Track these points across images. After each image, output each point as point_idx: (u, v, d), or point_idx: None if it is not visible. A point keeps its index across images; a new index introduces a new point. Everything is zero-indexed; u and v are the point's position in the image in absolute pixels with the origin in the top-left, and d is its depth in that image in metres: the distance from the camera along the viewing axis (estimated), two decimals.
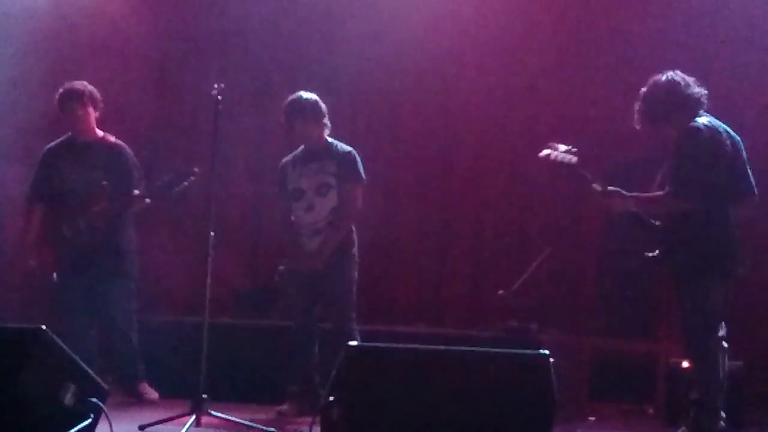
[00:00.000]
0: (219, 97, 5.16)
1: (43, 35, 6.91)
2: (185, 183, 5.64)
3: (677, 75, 5.03)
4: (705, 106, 5.04)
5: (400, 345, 4.24)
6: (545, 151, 5.21)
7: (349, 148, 5.80)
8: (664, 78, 5.04)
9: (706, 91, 5.03)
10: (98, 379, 4.37)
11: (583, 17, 7.08)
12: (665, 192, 4.91)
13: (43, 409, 4.16)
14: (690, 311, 4.89)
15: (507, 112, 7.30)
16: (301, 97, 5.76)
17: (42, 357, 4.24)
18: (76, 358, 4.32)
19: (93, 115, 6.06)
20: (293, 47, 7.40)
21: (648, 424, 6.03)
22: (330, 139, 5.82)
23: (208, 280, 5.04)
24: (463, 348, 4.26)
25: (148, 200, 5.99)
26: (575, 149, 5.14)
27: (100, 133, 6.11)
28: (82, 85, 6.06)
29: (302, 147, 5.85)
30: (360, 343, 4.26)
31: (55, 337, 4.28)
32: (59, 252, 5.96)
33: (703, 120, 4.97)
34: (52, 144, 6.15)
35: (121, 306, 6.08)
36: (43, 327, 4.28)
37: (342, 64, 7.20)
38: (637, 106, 5.09)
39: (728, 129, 5.02)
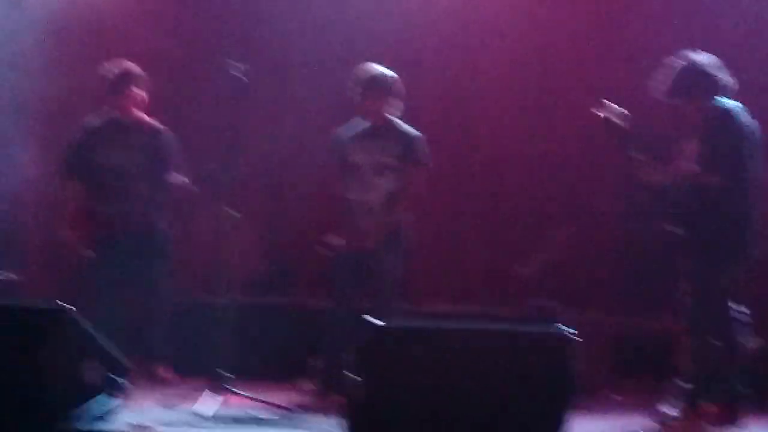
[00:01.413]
0: (239, 75, 5.14)
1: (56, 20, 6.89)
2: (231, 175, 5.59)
3: (711, 56, 5.04)
4: (730, 95, 5.03)
5: (423, 324, 4.23)
6: (601, 110, 5.11)
7: (415, 131, 5.68)
8: (698, 56, 5.04)
9: (733, 81, 5.03)
10: (120, 358, 4.39)
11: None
12: (701, 168, 4.89)
13: (65, 386, 4.19)
14: (702, 288, 4.90)
15: (524, 90, 7.25)
16: (384, 72, 5.64)
17: (65, 334, 4.26)
18: (100, 336, 4.34)
19: (140, 97, 6.09)
20: (311, 26, 7.33)
21: (675, 401, 5.99)
22: (393, 119, 5.69)
23: (228, 259, 5.03)
24: (485, 326, 4.26)
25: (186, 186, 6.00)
26: (627, 114, 5.07)
27: (142, 115, 6.13)
28: (136, 66, 6.09)
29: (362, 121, 5.71)
30: (384, 323, 4.23)
31: (78, 315, 4.31)
32: (97, 229, 5.95)
33: (731, 103, 5.00)
34: (93, 121, 6.12)
35: (157, 287, 6.07)
36: (67, 305, 4.31)
37: (358, 42, 7.15)
38: (663, 77, 5.06)
39: (744, 111, 5.05)
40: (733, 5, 6.69)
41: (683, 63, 5.06)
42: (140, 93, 6.06)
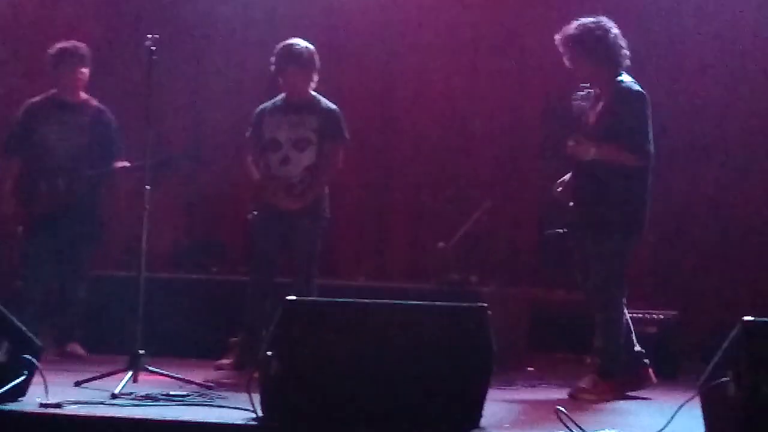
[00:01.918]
0: (153, 48, 5.06)
1: None
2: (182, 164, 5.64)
3: (611, 22, 5.04)
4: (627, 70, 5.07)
5: (339, 299, 4.23)
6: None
7: (334, 106, 5.67)
8: (604, 22, 5.01)
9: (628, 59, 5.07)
10: (32, 336, 4.32)
11: None
12: (625, 145, 4.91)
13: None
14: (607, 264, 4.98)
15: (447, 65, 7.28)
16: (298, 44, 5.59)
17: None
18: (9, 314, 4.26)
19: (86, 77, 6.05)
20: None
21: (585, 374, 6.10)
22: (314, 94, 5.68)
23: (145, 235, 4.99)
24: (401, 301, 4.27)
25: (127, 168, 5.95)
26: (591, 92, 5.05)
27: (85, 95, 6.11)
28: (82, 45, 6.06)
29: (283, 96, 5.69)
30: (298, 297, 4.21)
31: None
32: (31, 207, 5.93)
33: (629, 80, 5.03)
34: (36, 100, 6.11)
35: (83, 269, 6.10)
36: None
37: (282, 17, 7.10)
38: (570, 43, 5.01)
39: None
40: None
41: (591, 28, 5.00)
42: (84, 73, 6.04)
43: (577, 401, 4.84)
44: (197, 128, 7.30)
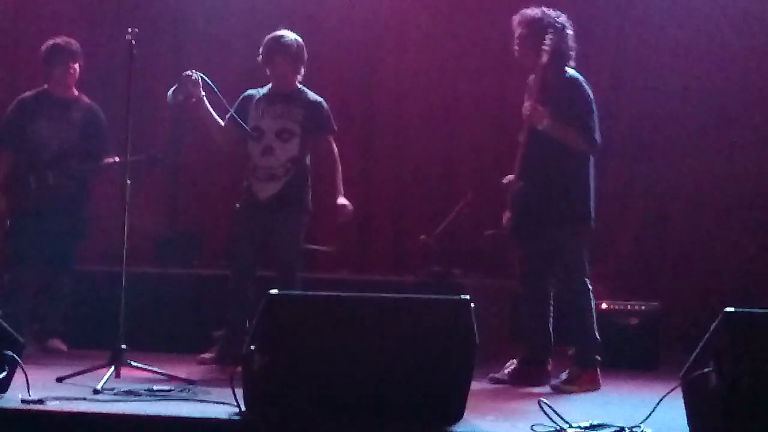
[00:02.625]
0: (133, 42, 5.04)
1: None
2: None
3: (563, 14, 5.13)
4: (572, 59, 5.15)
5: (322, 292, 4.23)
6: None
7: (319, 98, 5.63)
8: (554, 12, 5.10)
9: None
10: (13, 332, 4.30)
11: None
12: (576, 127, 5.00)
13: None
14: (565, 257, 5.07)
15: (430, 57, 7.27)
16: (287, 35, 5.56)
17: None
18: None
19: (77, 73, 6.08)
20: None
21: (568, 364, 6.13)
22: (301, 86, 5.65)
23: (126, 229, 4.97)
24: (384, 294, 4.27)
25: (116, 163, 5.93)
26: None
27: (76, 92, 6.14)
28: (74, 42, 6.09)
29: (270, 86, 5.64)
30: (281, 291, 4.20)
31: None
32: (20, 201, 5.93)
33: (575, 72, 5.11)
34: (27, 94, 6.13)
35: (68, 264, 6.11)
36: None
37: (263, 9, 7.08)
38: (520, 31, 5.11)
39: None
40: None
41: (536, 17, 5.09)
42: (76, 68, 6.06)
43: (560, 393, 4.87)
44: (177, 121, 7.26)
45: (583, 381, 4.99)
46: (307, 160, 5.62)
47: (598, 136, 5.05)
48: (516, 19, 5.14)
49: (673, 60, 6.87)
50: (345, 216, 5.68)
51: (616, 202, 6.86)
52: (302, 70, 5.61)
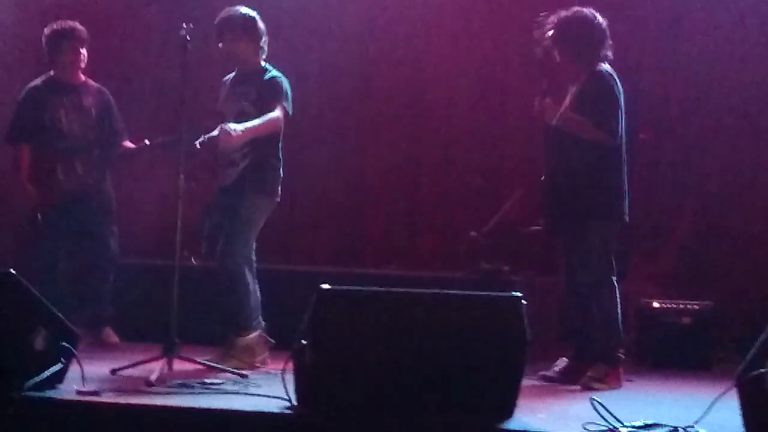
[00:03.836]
0: (188, 37, 5.06)
1: None
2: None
3: (599, 16, 5.12)
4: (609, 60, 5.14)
5: (372, 288, 4.23)
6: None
7: (275, 74, 5.27)
8: (589, 13, 5.10)
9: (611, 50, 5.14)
10: (69, 324, 4.36)
11: None
12: (592, 120, 5.00)
13: (14, 353, 4.15)
14: (591, 254, 5.02)
15: (479, 55, 7.24)
16: (234, 9, 5.30)
17: (12, 301, 4.23)
18: (47, 302, 4.30)
19: (85, 57, 5.98)
20: None
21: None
22: (264, 64, 5.33)
23: (179, 223, 5.00)
24: (434, 291, 4.27)
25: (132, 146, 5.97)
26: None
27: (82, 77, 6.04)
28: (80, 25, 5.95)
29: (238, 69, 5.41)
30: (331, 287, 4.22)
31: (24, 280, 4.26)
32: (50, 193, 5.89)
33: (608, 67, 5.10)
34: (36, 83, 6.00)
35: (107, 245, 6.04)
36: (12, 271, 4.26)
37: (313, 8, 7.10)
38: (553, 33, 5.11)
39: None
40: None
41: (575, 20, 5.10)
42: (83, 53, 5.95)
43: (589, 391, 4.84)
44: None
45: (610, 378, 4.96)
46: (277, 144, 5.33)
47: (618, 128, 5.00)
48: (551, 20, 5.13)
49: (731, 60, 6.78)
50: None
51: (670, 201, 6.79)
52: (260, 46, 5.29)
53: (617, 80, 5.10)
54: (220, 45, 5.36)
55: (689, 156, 6.87)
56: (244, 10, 5.35)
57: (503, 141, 7.20)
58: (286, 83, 5.30)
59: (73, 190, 5.92)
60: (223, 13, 5.36)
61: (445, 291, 4.29)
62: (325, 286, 4.07)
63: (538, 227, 5.48)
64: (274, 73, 5.32)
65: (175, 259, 4.97)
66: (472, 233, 6.38)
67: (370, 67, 7.19)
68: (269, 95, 5.22)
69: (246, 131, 5.11)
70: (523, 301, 3.98)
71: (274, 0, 6.92)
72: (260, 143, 5.25)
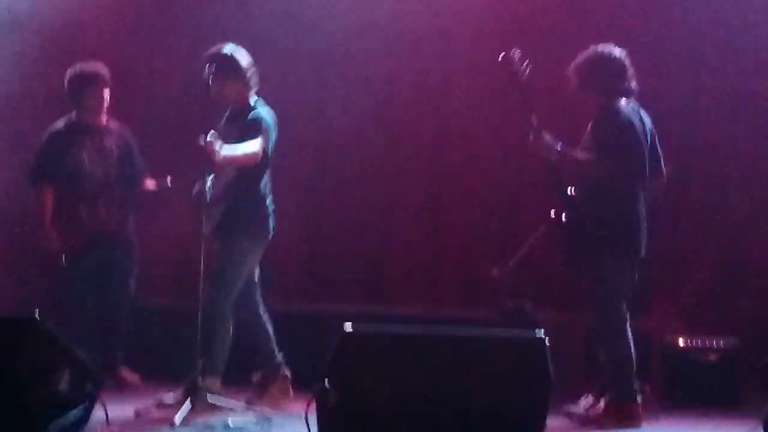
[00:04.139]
0: (210, 76, 5.10)
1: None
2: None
3: (622, 52, 5.16)
4: (633, 96, 5.16)
5: (395, 328, 4.22)
6: (508, 54, 5.23)
7: (258, 115, 5.20)
8: (608, 50, 5.16)
9: (634, 82, 5.17)
10: (92, 367, 4.37)
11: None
12: (588, 156, 5.04)
13: (38, 396, 4.16)
14: (595, 286, 5.05)
15: (499, 90, 7.24)
16: (217, 49, 5.24)
17: (36, 344, 4.24)
18: (70, 344, 4.31)
19: (107, 100, 6.02)
20: (288, 21, 7.26)
21: (645, 401, 6.03)
22: (253, 101, 5.28)
23: (202, 266, 5.00)
24: (458, 331, 4.25)
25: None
26: (530, 69, 5.17)
27: (104, 118, 6.07)
28: (103, 67, 5.99)
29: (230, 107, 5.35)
30: (353, 327, 4.20)
31: (47, 323, 4.28)
32: (73, 235, 5.90)
33: (622, 101, 5.13)
34: (58, 125, 6.03)
35: (129, 287, 6.06)
36: (36, 314, 4.28)
37: (334, 45, 7.13)
38: (573, 71, 5.19)
39: (644, 112, 5.19)
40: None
41: (595, 57, 5.16)
42: (106, 94, 5.99)
43: (600, 427, 4.81)
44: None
45: (623, 415, 4.92)
46: (257, 183, 5.28)
47: (620, 166, 4.99)
48: (577, 61, 5.19)
49: (754, 96, 6.76)
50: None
51: (693, 236, 6.74)
52: (247, 83, 5.23)
53: (639, 114, 5.09)
54: (210, 85, 5.22)
55: (712, 190, 6.84)
56: (227, 48, 5.29)
57: (525, 177, 7.18)
58: (268, 121, 5.25)
59: (96, 232, 5.94)
60: (209, 53, 5.28)
61: (468, 331, 4.27)
62: (348, 328, 4.06)
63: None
64: (259, 112, 5.27)
65: (198, 299, 4.97)
66: (495, 271, 6.36)
67: (393, 109, 7.21)
68: (250, 134, 5.15)
69: (227, 157, 5.03)
70: (546, 340, 3.96)
71: (298, 43, 7.04)
72: (239, 185, 5.22)
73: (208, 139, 4.94)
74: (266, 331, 5.38)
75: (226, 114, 5.40)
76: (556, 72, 5.72)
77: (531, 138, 5.11)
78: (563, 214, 5.12)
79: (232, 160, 5.09)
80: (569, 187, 5.13)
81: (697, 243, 6.79)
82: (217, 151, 4.95)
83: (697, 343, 6.00)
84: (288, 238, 7.20)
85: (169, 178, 5.95)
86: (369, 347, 4.05)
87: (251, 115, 5.23)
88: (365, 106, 7.20)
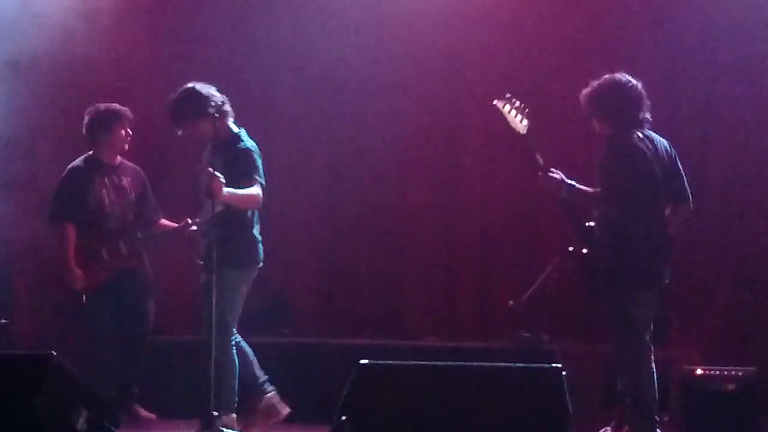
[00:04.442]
0: (216, 115, 5.11)
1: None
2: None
3: (634, 80, 5.11)
4: (646, 126, 5.11)
5: (411, 362, 4.22)
6: (499, 102, 5.21)
7: (245, 145, 5.16)
8: (625, 79, 5.10)
9: (649, 113, 5.12)
10: (110, 405, 4.37)
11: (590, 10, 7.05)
12: (595, 192, 5.03)
13: None
14: (615, 318, 5.00)
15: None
16: (177, 96, 5.21)
17: (54, 382, 4.26)
18: (88, 383, 4.33)
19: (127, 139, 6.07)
20: (295, 41, 7.31)
21: (664, 431, 5.99)
22: (236, 131, 5.23)
23: (214, 297, 5.00)
24: (474, 364, 4.24)
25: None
26: (528, 109, 5.14)
27: (118, 157, 6.12)
28: (123, 107, 6.05)
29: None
30: (370, 362, 4.19)
31: (66, 362, 4.30)
32: (94, 275, 5.91)
33: (637, 134, 5.06)
34: (78, 163, 6.06)
35: (145, 322, 6.08)
36: (54, 352, 4.30)
37: (346, 58, 7.15)
38: (587, 98, 5.13)
39: (659, 138, 5.12)
40: None
41: (608, 85, 5.11)
42: (128, 133, 6.05)
43: None
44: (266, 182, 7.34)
45: None
46: (244, 212, 5.21)
47: (621, 199, 4.95)
48: (593, 88, 5.15)
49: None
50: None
51: (710, 265, 6.71)
52: (221, 115, 5.13)
53: (653, 142, 5.04)
54: (179, 133, 5.27)
55: (729, 218, 6.81)
56: (187, 90, 5.25)
57: (541, 208, 7.17)
58: (256, 154, 5.22)
59: (117, 270, 5.97)
60: (170, 103, 5.27)
61: (485, 364, 4.27)
62: (365, 361, 4.06)
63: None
64: (245, 143, 5.22)
65: (211, 332, 4.97)
66: (511, 302, 6.35)
67: (406, 142, 7.24)
68: (241, 168, 5.12)
69: (228, 196, 5.03)
70: (563, 372, 3.95)
71: (309, 70, 7.09)
72: (227, 216, 5.14)
73: (209, 178, 4.94)
74: (245, 355, 5.34)
75: (209, 146, 5.26)
76: (569, 93, 5.75)
77: (539, 177, 5.08)
78: (583, 249, 5.08)
79: (236, 200, 5.09)
80: (587, 222, 5.10)
81: (714, 271, 6.76)
82: (221, 191, 4.95)
83: (715, 372, 5.96)
84: (302, 271, 7.24)
85: (188, 220, 5.91)
86: (385, 380, 4.05)
87: (239, 145, 5.20)
88: (378, 140, 7.24)
